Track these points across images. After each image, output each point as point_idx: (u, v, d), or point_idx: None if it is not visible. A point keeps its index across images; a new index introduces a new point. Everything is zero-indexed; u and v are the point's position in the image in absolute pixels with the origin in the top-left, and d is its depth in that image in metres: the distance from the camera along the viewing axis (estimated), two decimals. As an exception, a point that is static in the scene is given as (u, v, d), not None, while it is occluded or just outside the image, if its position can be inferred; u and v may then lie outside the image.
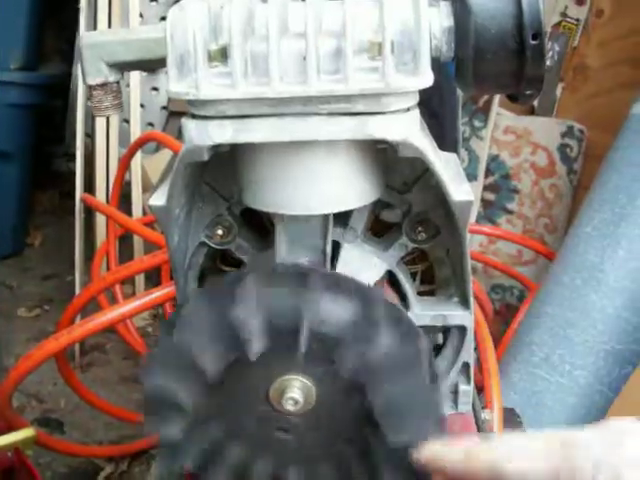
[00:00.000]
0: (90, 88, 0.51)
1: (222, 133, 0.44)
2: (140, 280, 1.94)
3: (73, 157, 1.91)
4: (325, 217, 0.51)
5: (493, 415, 0.73)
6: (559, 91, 2.01)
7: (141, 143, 1.72)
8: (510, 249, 1.83)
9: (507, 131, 1.93)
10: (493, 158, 1.92)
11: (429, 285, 0.62)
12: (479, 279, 1.76)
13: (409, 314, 0.57)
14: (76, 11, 1.87)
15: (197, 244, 0.56)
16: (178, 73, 0.45)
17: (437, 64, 0.45)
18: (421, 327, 0.50)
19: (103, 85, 0.51)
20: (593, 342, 1.27)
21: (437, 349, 0.60)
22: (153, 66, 0.51)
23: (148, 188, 1.90)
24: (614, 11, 1.93)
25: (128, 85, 1.91)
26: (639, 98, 1.58)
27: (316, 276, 0.45)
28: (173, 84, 0.44)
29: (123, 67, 0.51)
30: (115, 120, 1.91)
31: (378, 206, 0.55)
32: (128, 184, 1.91)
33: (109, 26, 1.89)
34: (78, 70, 2.16)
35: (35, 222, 2.44)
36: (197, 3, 0.45)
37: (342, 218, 0.54)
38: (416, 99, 0.45)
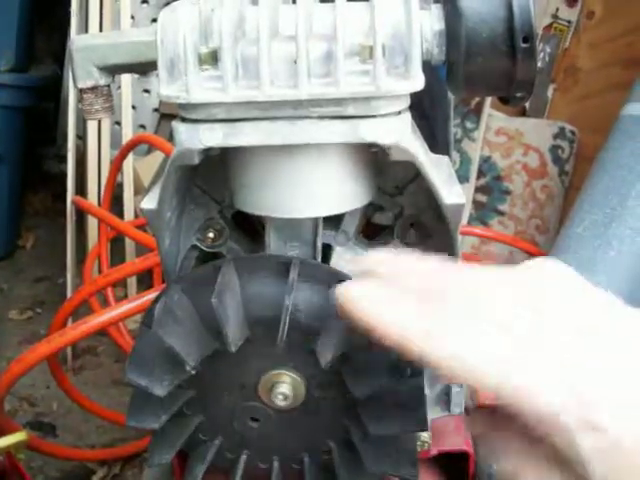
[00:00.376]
0: (81, 91, 0.51)
1: (213, 137, 0.44)
2: (132, 283, 1.94)
3: (65, 159, 1.90)
4: (315, 220, 0.51)
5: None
6: (550, 92, 2.02)
7: (133, 145, 1.72)
8: (502, 250, 1.84)
9: (499, 132, 1.93)
10: (485, 159, 1.92)
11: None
12: (471, 280, 1.76)
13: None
14: (67, 12, 1.86)
15: (189, 247, 0.56)
16: (168, 76, 0.44)
17: (428, 67, 0.45)
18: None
19: (94, 88, 0.51)
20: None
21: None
22: (144, 69, 0.50)
23: (140, 190, 1.90)
24: (605, 13, 1.94)
25: (119, 87, 1.90)
26: (630, 99, 1.59)
27: (296, 266, 0.45)
28: (164, 87, 0.44)
29: (114, 70, 0.51)
30: (107, 122, 1.91)
31: (370, 209, 0.55)
32: (120, 186, 1.91)
33: (100, 28, 1.88)
34: (69, 72, 2.15)
35: (27, 224, 2.43)
36: (188, 6, 0.45)
37: (334, 221, 0.54)
38: (407, 102, 0.45)
